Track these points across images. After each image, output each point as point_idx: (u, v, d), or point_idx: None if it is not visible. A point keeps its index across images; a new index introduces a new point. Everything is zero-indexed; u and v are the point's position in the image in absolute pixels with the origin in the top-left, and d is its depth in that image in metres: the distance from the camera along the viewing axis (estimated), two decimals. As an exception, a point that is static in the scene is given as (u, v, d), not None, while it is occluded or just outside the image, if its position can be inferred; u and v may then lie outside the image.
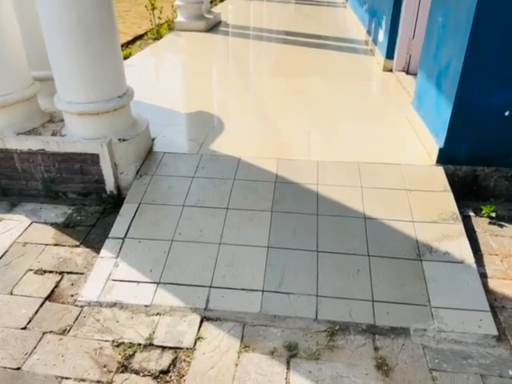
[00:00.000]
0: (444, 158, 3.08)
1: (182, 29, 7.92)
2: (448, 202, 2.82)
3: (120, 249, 2.59)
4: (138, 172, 3.11)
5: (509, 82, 2.79)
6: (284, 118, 3.98)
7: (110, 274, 2.46)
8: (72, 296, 2.40)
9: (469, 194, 3.15)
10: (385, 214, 2.73)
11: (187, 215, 2.76)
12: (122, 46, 7.20)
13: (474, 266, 2.44)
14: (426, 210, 2.76)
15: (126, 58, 6.34)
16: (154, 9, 8.05)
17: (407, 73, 5.26)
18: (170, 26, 8.23)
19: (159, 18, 8.02)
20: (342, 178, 3.02)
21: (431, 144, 3.21)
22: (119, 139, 3.00)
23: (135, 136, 3.09)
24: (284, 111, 4.13)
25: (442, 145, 3.05)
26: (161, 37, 7.68)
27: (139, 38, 7.96)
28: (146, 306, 2.30)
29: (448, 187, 2.93)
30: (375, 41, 6.19)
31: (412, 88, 4.70)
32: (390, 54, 5.36)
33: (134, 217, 2.77)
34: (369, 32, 6.81)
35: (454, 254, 2.49)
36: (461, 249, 2.52)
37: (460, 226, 2.65)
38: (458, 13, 2.88)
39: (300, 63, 5.78)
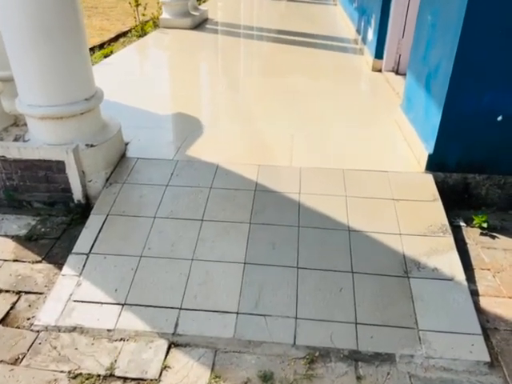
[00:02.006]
0: (433, 164, 2.91)
1: (167, 26, 7.69)
2: (437, 212, 2.65)
3: (84, 265, 2.39)
4: (107, 180, 2.90)
5: (501, 86, 2.62)
6: (268, 119, 3.79)
7: (71, 294, 2.25)
8: (28, 319, 2.19)
9: (459, 203, 2.98)
10: (370, 226, 2.55)
11: (158, 228, 2.56)
12: (104, 43, 6.97)
13: (465, 283, 2.27)
14: (414, 221, 2.59)
15: (107, 56, 6.11)
16: (138, 5, 7.81)
17: (396, 73, 5.09)
18: (156, 23, 7.99)
19: (143, 14, 7.78)
20: (325, 186, 2.84)
21: (420, 150, 3.04)
22: (87, 145, 2.79)
23: (105, 141, 2.87)
24: (269, 113, 3.94)
25: (431, 151, 2.88)
26: (145, 34, 7.44)
27: (123, 35, 7.71)
28: (108, 330, 2.10)
29: (438, 196, 2.76)
30: (364, 40, 6.01)
31: (402, 89, 4.53)
32: (379, 54, 5.19)
33: (100, 230, 2.57)
34: (358, 31, 6.64)
35: (444, 270, 2.32)
36: (451, 264, 2.35)
37: (450, 240, 2.48)
38: (448, 11, 2.70)
39: (288, 62, 5.58)
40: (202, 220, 2.60)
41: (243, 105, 4.15)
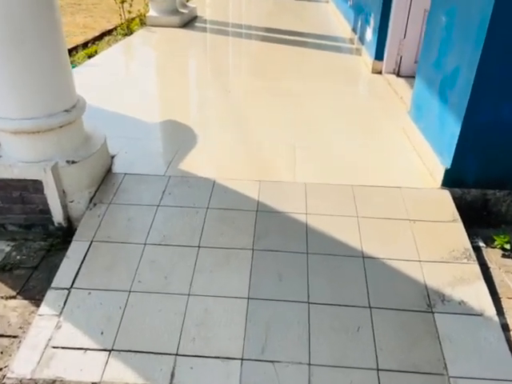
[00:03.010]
0: (450, 180, 2.67)
1: (155, 24, 7.34)
2: (459, 235, 2.40)
3: (64, 303, 2.09)
4: (91, 200, 2.60)
5: (528, 95, 2.39)
6: (266, 127, 3.51)
7: (49, 339, 1.95)
8: (0, 370, 1.88)
9: (477, 221, 2.75)
10: (386, 252, 2.30)
11: (149, 257, 2.27)
12: (88, 42, 6.60)
13: (496, 319, 2.03)
14: (434, 245, 2.34)
15: (91, 56, 5.77)
16: (123, 2, 7.43)
17: (398, 75, 4.86)
18: (142, 21, 7.63)
19: (129, 12, 7.41)
20: (334, 205, 2.58)
21: (434, 163, 2.79)
22: (68, 161, 2.48)
23: (88, 156, 2.57)
24: (266, 119, 3.66)
25: (448, 165, 2.64)
26: (131, 32, 7.09)
27: (108, 33, 7.34)
28: (93, 383, 1.81)
29: (457, 216, 2.52)
30: (362, 40, 5.76)
31: (405, 92, 4.30)
32: (379, 55, 4.94)
33: (83, 260, 2.27)
34: (354, 30, 6.39)
35: (471, 303, 2.08)
36: (478, 297, 2.11)
37: (475, 267, 2.24)
38: (469, 12, 2.46)
39: (282, 63, 5.31)
40: (199, 247, 2.32)
41: (238, 111, 3.86)
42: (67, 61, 2.47)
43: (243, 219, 2.47)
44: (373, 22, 5.14)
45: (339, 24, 7.67)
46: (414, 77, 4.78)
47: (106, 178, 2.75)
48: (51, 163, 2.43)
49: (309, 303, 2.07)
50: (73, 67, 5.14)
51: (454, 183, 2.68)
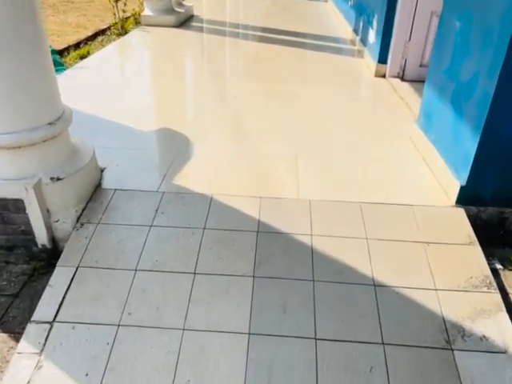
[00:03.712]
0: (466, 197, 2.49)
1: (150, 24, 7.12)
2: (476, 259, 2.22)
3: (46, 339, 1.89)
4: (78, 219, 2.39)
5: (552, 108, 2.21)
6: (266, 136, 3.31)
7: (29, 382, 1.75)
8: (-28, 418, 1.69)
9: (493, 240, 2.56)
10: (400, 279, 2.11)
11: (140, 285, 2.07)
12: (81, 42, 6.38)
13: (522, 357, 1.85)
14: (451, 272, 2.16)
15: (83, 57, 5.55)
16: (117, 0, 7.21)
17: (402, 79, 4.67)
18: (137, 21, 7.41)
19: (123, 11, 7.18)
20: (341, 225, 2.39)
21: (448, 178, 2.61)
22: (52, 178, 2.28)
23: (75, 172, 2.37)
24: (266, 127, 3.46)
25: (463, 182, 2.45)
26: (126, 32, 6.88)
27: (101, 33, 7.12)
28: None
29: (474, 238, 2.33)
30: (364, 41, 5.57)
31: (411, 98, 4.12)
32: (382, 58, 4.75)
33: (68, 288, 2.06)
34: (356, 31, 6.19)
35: (494, 339, 1.89)
36: (501, 331, 1.92)
37: (496, 297, 2.06)
38: (488, 15, 2.27)
39: (281, 65, 5.11)
40: (195, 273, 2.12)
41: (237, 117, 3.66)
42: (51, 70, 2.27)
43: (243, 241, 2.28)
44: (376, 23, 4.94)
45: (339, 24, 7.47)
46: (419, 81, 4.64)
47: (94, 195, 2.54)
48: (34, 180, 2.22)
49: (316, 339, 1.88)
50: (63, 69, 4.92)
51: (470, 201, 2.49)
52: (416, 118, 3.36)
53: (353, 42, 6.25)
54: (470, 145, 2.39)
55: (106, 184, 2.66)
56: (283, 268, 2.15)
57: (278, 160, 2.97)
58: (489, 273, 2.16)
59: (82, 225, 2.36)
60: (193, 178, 2.76)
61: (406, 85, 4.52)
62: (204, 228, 2.35)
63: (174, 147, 3.14)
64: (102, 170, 2.79)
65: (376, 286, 2.08)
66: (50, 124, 2.23)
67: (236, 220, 2.40)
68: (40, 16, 2.14)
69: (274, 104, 3.92)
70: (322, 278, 2.10)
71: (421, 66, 4.58)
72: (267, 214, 2.44)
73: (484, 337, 1.90)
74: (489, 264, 2.37)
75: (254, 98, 4.07)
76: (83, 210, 2.44)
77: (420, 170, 2.91)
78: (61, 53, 5.74)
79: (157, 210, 2.46)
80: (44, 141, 2.22)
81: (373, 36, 5.07)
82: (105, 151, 3.00)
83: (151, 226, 2.36)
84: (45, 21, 7.82)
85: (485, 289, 2.08)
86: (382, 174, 2.85)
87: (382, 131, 3.49)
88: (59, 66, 5.14)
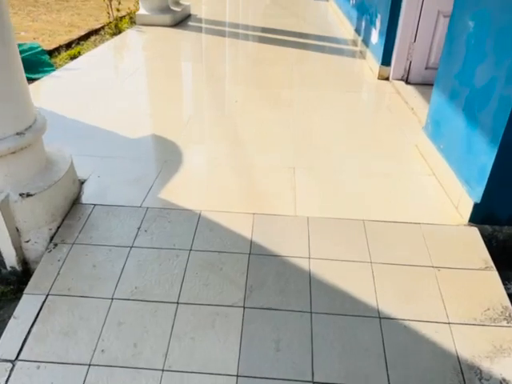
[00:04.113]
0: (480, 215, 2.26)
1: (145, 23, 6.91)
2: (494, 288, 1.99)
3: (7, 380, 1.66)
4: (52, 239, 2.17)
5: None
6: (262, 146, 3.08)
7: (-18, 434, 1.53)
8: None
9: (510, 262, 2.34)
10: (408, 311, 1.88)
11: (117, 316, 1.84)
12: (72, 42, 6.14)
13: (549, 405, 1.62)
14: (465, 302, 1.92)
15: (73, 58, 5.32)
16: (111, -1, 6.99)
17: (407, 82, 4.44)
18: (133, 19, 7.19)
19: (118, 10, 6.96)
20: (342, 246, 2.16)
21: (460, 194, 2.38)
22: (22, 194, 2.05)
23: (49, 187, 2.14)
24: (262, 136, 3.23)
25: (477, 199, 2.22)
26: (120, 32, 6.64)
27: (94, 32, 6.87)
28: None
29: (490, 262, 2.10)
30: (366, 42, 5.34)
31: (416, 103, 3.89)
32: (386, 60, 4.52)
33: (35, 320, 1.84)
34: (357, 31, 5.96)
35: (516, 382, 1.66)
36: (525, 373, 1.69)
37: (518, 332, 1.83)
38: (506, 14, 2.03)
39: (280, 67, 4.87)
40: (178, 303, 1.89)
41: (231, 124, 3.43)
42: (19, 73, 2.03)
43: (233, 265, 2.05)
44: (379, 23, 4.71)
45: (341, 24, 7.24)
46: (424, 84, 4.41)
47: (71, 211, 2.32)
48: (0, 197, 2.00)
49: (313, 383, 1.65)
50: (52, 70, 4.69)
51: (484, 219, 2.26)
52: (423, 124, 3.14)
53: (354, 43, 6.02)
54: (485, 158, 2.16)
55: (85, 198, 2.43)
56: (277, 297, 1.92)
57: (274, 172, 2.74)
58: (508, 303, 1.93)
59: (56, 245, 2.13)
60: (180, 191, 2.53)
61: (410, 88, 4.29)
62: (190, 249, 2.12)
63: (162, 156, 2.91)
64: (83, 182, 2.56)
65: (381, 318, 1.85)
66: (18, 134, 2.00)
67: (226, 240, 2.17)
68: (6, 13, 1.90)
69: (272, 110, 3.69)
70: (320, 310, 1.87)
71: (426, 68, 4.35)
72: (260, 234, 2.21)
73: (504, 380, 1.67)
74: (506, 290, 2.14)
75: (251, 103, 3.84)
76: (58, 228, 2.22)
77: (428, 183, 2.67)
78: (51, 53, 5.51)
79: (139, 228, 2.23)
80: (12, 153, 1.99)
81: (376, 37, 4.84)
82: (87, 160, 2.78)
83: (132, 246, 2.13)
84: (36, 20, 7.63)
85: (504, 322, 1.85)
86: (387, 188, 2.61)
87: (387, 139, 3.25)
88: (48, 67, 4.93)
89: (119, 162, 2.82)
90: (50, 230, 2.18)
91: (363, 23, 5.62)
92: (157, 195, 2.47)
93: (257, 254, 2.10)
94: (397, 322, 1.84)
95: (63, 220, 2.26)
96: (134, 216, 2.30)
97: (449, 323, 1.84)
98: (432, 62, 4.29)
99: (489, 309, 1.90)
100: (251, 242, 2.17)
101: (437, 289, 1.97)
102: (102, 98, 3.86)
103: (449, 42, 2.72)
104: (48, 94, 4.02)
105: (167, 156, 2.91)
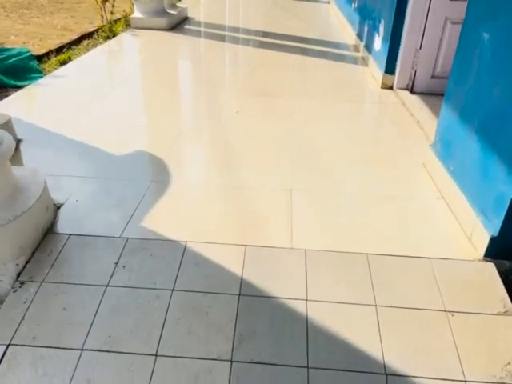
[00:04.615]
0: (497, 249, 2.03)
1: (140, 26, 6.69)
2: (515, 337, 1.76)
3: None
4: (19, 276, 1.94)
5: None
6: (257, 165, 2.85)
7: None
8: None
9: (529, 300, 2.10)
10: (418, 366, 1.65)
11: (86, 372, 1.61)
12: (63, 47, 5.92)
13: None
14: (483, 354, 1.69)
15: (63, 63, 5.09)
16: (105, 1, 6.77)
17: (411, 91, 4.21)
18: (128, 22, 6.97)
19: (112, 13, 6.74)
20: (344, 285, 1.93)
21: (473, 224, 2.15)
22: (-17, 227, 1.83)
23: (15, 218, 1.91)
24: (258, 152, 3.00)
25: (495, 232, 1.99)
26: (114, 35, 6.42)
27: (88, 36, 6.65)
28: None
29: (509, 303, 1.87)
30: (369, 48, 5.11)
31: (422, 115, 3.66)
32: (390, 68, 4.29)
33: (-9, 377, 1.61)
34: (359, 36, 5.73)
35: None
36: None
37: (544, 393, 1.60)
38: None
39: (278, 74, 4.65)
40: (156, 355, 1.66)
41: (223, 139, 3.20)
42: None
43: (221, 309, 1.82)
44: (383, 29, 4.48)
45: (342, 28, 7.01)
46: (430, 94, 4.18)
47: (43, 243, 2.09)
48: (-42, 231, 1.77)
49: None
50: (40, 77, 4.47)
51: (502, 254, 2.03)
52: (430, 141, 2.91)
53: (356, 48, 5.80)
54: (504, 186, 1.93)
55: (59, 226, 2.20)
56: (269, 349, 1.69)
57: (270, 195, 2.51)
58: (532, 357, 1.70)
59: (23, 284, 1.91)
60: (165, 217, 2.30)
61: (415, 98, 4.06)
62: (173, 289, 1.89)
63: (149, 176, 2.69)
64: (59, 207, 2.33)
65: (388, 374, 1.62)
66: (-22, 161, 1.77)
67: (213, 278, 1.95)
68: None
69: (269, 121, 3.46)
70: (318, 364, 1.64)
71: (432, 77, 4.12)
72: (252, 270, 1.98)
73: None
74: (525, 332, 1.91)
75: (248, 115, 3.61)
76: (26, 263, 1.99)
77: (437, 208, 2.45)
78: (40, 59, 5.28)
79: (117, 264, 2.00)
80: (-29, 182, 1.77)
81: (379, 43, 4.61)
82: (67, 182, 2.56)
83: (107, 285, 1.90)
84: (28, 23, 7.40)
85: (528, 381, 1.62)
86: (393, 214, 2.39)
87: (391, 156, 3.02)
88: (36, 74, 4.71)
89: (101, 183, 2.59)
90: (17, 265, 1.95)
91: (365, 28, 5.39)
92: (139, 223, 2.24)
93: (248, 296, 1.87)
94: (406, 381, 1.61)
95: (33, 253, 2.04)
96: (112, 248, 2.07)
97: (465, 381, 1.61)
98: (438, 70, 4.07)
99: (509, 363, 1.67)
100: (241, 280, 1.94)
101: (450, 338, 1.74)
102: (88, 108, 3.63)
103: (460, 54, 2.49)
104: (31, 104, 3.80)
105: (154, 176, 2.69)
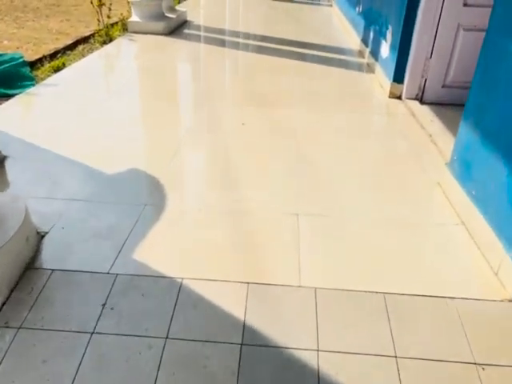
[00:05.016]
0: (529, 289, 1.82)
1: (137, 31, 6.49)
2: (556, 396, 1.55)
3: None
4: (-7, 320, 1.73)
5: None
6: (260, 185, 2.64)
7: None
8: None
9: None
10: (447, 433, 1.44)
11: None
12: (58, 52, 5.70)
13: None
14: (521, 418, 1.48)
15: (57, 70, 4.88)
16: (101, 5, 6.55)
17: (421, 101, 4.00)
18: (125, 26, 6.76)
19: (108, 16, 6.52)
20: (359, 332, 1.72)
21: (501, 258, 1.94)
22: (-48, 267, 1.61)
23: (-11, 254, 1.70)
24: (260, 172, 2.79)
25: (527, 270, 1.78)
26: (111, 40, 6.22)
27: (83, 40, 6.44)
28: None
29: (546, 355, 1.66)
30: (375, 55, 4.90)
31: (433, 127, 3.45)
32: (398, 77, 4.08)
33: None
34: (364, 41, 5.53)
35: None
36: None
37: None
38: None
39: (279, 83, 4.44)
40: (147, 421, 1.45)
41: (224, 159, 2.98)
42: None
43: (220, 360, 1.61)
44: (390, 35, 4.28)
45: (345, 32, 6.80)
46: (440, 104, 3.97)
47: (23, 279, 1.88)
48: None
49: None
50: (32, 85, 4.25)
51: (535, 294, 1.82)
52: (444, 156, 2.71)
53: (361, 54, 5.59)
54: (538, 221, 1.72)
55: (42, 259, 1.99)
56: (276, 411, 1.48)
57: (274, 222, 2.30)
58: None
59: (-3, 330, 1.69)
60: (159, 249, 2.09)
61: (425, 109, 3.86)
62: (166, 337, 1.67)
63: (142, 199, 2.47)
64: (43, 236, 2.12)
65: None
66: None
67: (212, 323, 1.73)
68: None
69: (271, 137, 3.24)
70: (333, 432, 1.43)
71: (443, 86, 3.92)
72: (256, 313, 1.77)
73: None
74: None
75: (249, 128, 3.40)
76: (3, 304, 1.78)
77: (457, 236, 2.24)
78: (33, 65, 5.07)
79: (104, 305, 1.78)
80: None
81: (386, 50, 4.41)
82: (53, 205, 2.35)
83: (93, 332, 1.69)
84: (23, 27, 7.19)
85: None
86: (409, 245, 2.17)
87: (403, 174, 2.81)
88: (28, 82, 4.49)
89: (91, 206, 2.38)
90: (-8, 308, 1.74)
91: (371, 34, 5.18)
92: (130, 255, 2.03)
93: (250, 345, 1.65)
94: None
95: (11, 292, 1.82)
96: (99, 286, 1.86)
97: None
98: (450, 80, 3.87)
99: (553, 430, 1.45)
100: (244, 326, 1.72)
101: (482, 398, 1.52)
102: (79, 122, 3.41)
103: (483, 65, 2.28)
104: (20, 116, 3.59)
105: (148, 199, 2.47)
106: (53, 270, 1.93)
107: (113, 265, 1.97)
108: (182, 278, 1.90)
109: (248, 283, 1.89)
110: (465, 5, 3.56)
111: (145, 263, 1.99)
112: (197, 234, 2.21)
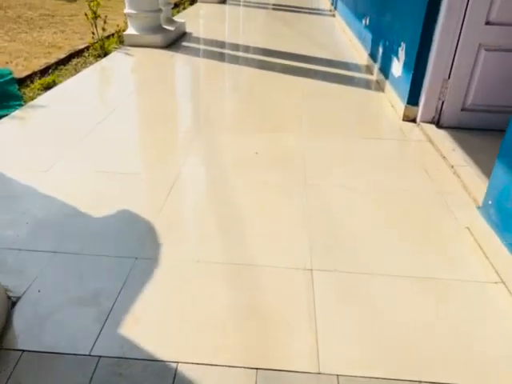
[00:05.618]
0: None
1: (134, 44, 6.23)
2: None
3: None
4: None
5: None
6: (264, 231, 2.32)
7: None
8: None
9: None
10: None
11: None
12: (49, 67, 5.41)
13: None
14: None
15: (48, 87, 4.58)
16: (96, 17, 6.27)
17: (437, 125, 3.71)
18: (122, 39, 6.49)
19: (103, 29, 6.23)
20: None
21: (558, 336, 1.63)
22: None
23: None
24: (265, 217, 2.48)
25: None
26: (106, 54, 5.93)
27: (77, 54, 6.15)
28: None
29: None
30: (385, 72, 4.61)
31: (455, 157, 3.15)
32: (413, 98, 3.79)
33: None
34: (373, 56, 5.24)
35: None
36: None
37: None
38: None
39: (283, 103, 4.14)
40: None
41: (225, 196, 2.67)
42: None
43: None
44: (403, 53, 3.99)
45: (350, 45, 6.54)
46: (460, 128, 3.67)
47: (-15, 364, 1.56)
48: None
49: None
50: (19, 106, 3.94)
51: None
52: (471, 193, 2.41)
53: (369, 70, 5.31)
54: None
55: (11, 337, 1.67)
56: None
57: (284, 281, 1.99)
58: None
59: None
60: (151, 321, 1.77)
61: (444, 134, 3.56)
62: None
63: (133, 250, 2.15)
64: (14, 304, 1.81)
65: None
66: None
67: (214, 426, 1.42)
68: None
69: (275, 174, 2.90)
70: None
71: (463, 109, 3.63)
72: (267, 412, 1.45)
73: None
74: None
75: (252, 161, 3.09)
76: (-41, 400, 1.46)
77: (499, 299, 1.92)
78: (22, 82, 4.76)
79: (82, 402, 1.47)
80: None
81: (399, 69, 4.11)
82: (30, 260, 2.04)
83: None
84: (14, 39, 6.89)
85: None
86: (444, 312, 1.85)
87: (426, 217, 2.50)
88: (15, 101, 4.17)
89: (73, 261, 2.06)
90: None
91: (380, 49, 4.90)
92: (116, 329, 1.71)
93: None
94: None
95: (-30, 383, 1.51)
96: (78, 373, 1.54)
97: None
98: (469, 103, 3.58)
99: None
100: (253, 429, 1.41)
101: None
102: (65, 152, 3.09)
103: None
104: (1, 145, 3.26)
105: (138, 250, 2.15)
106: (23, 350, 1.61)
107: (95, 343, 1.65)
108: (177, 362, 1.59)
109: (256, 369, 1.58)
110: (487, 23, 3.28)
111: (133, 340, 1.67)
112: (195, 298, 1.89)
